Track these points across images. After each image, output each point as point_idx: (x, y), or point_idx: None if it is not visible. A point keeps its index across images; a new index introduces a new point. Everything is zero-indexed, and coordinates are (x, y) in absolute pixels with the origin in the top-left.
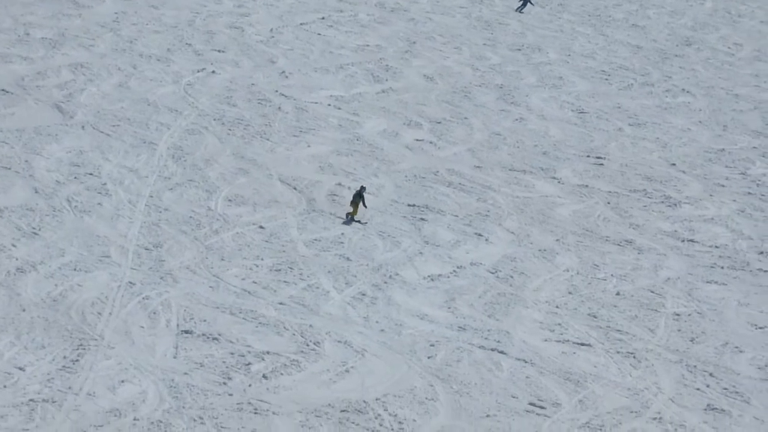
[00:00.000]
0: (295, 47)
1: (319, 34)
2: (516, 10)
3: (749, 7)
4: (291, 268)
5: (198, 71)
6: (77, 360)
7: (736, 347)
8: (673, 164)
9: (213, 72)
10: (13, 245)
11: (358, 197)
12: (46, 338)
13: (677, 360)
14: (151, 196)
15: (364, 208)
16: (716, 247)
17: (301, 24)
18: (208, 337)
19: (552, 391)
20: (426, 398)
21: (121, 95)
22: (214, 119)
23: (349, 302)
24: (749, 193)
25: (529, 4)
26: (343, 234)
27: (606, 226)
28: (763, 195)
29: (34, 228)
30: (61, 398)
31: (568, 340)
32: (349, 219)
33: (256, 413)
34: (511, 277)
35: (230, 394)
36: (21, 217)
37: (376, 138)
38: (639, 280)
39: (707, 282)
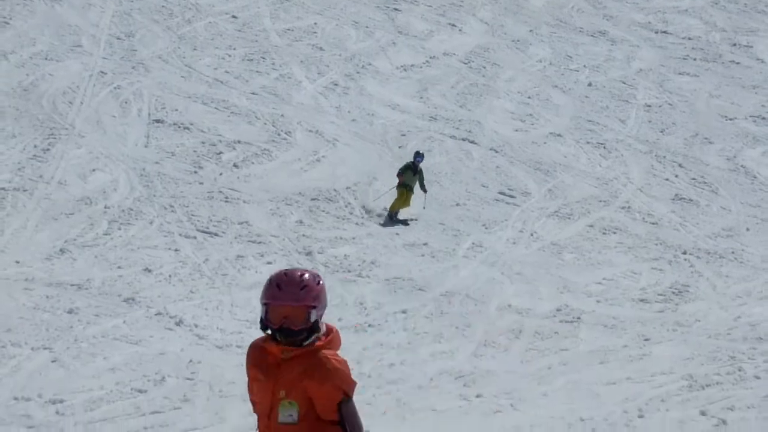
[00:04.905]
0: None
1: None
2: None
3: None
4: (263, 57)
5: None
6: (48, 149)
7: (706, 138)
8: None
9: None
10: None
11: (410, 172)
12: (17, 127)
13: (647, 150)
14: None
15: (423, 192)
16: (689, 38)
17: None
18: (179, 127)
19: (522, 181)
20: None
21: None
22: None
23: (321, 92)
24: None
25: None
26: (316, 24)
27: (579, 17)
28: None
29: (4, 17)
30: (32, 187)
31: (538, 131)
32: (391, 215)
33: (226, 201)
34: (484, 67)
35: (201, 183)
36: None
37: None
38: (611, 72)
39: (679, 74)
